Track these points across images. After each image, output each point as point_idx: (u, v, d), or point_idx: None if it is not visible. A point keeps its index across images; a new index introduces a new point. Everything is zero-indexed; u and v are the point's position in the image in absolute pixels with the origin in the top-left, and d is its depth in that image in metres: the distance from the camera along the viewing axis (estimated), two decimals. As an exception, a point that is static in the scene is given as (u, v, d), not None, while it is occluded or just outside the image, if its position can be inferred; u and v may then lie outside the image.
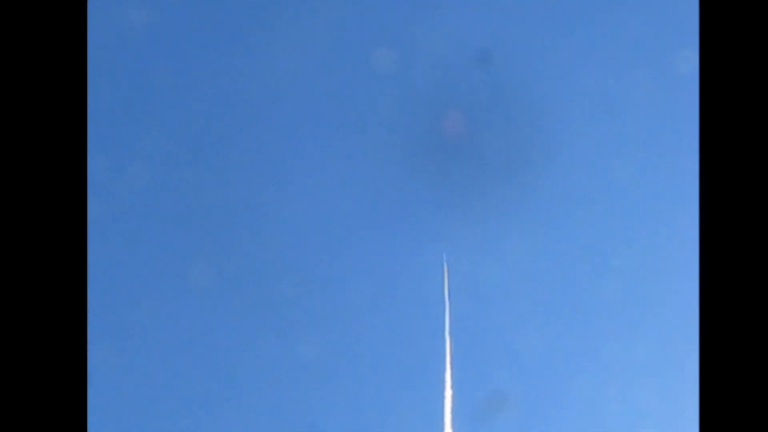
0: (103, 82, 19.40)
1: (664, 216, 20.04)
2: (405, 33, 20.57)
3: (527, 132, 20.09)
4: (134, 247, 19.77)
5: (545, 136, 20.03)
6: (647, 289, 19.80)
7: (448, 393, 18.45)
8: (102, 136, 19.41)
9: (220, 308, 19.56)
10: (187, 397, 19.34)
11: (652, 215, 20.17)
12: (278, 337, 19.46)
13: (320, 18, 20.57)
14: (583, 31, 20.66)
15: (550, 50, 20.55)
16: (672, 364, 19.12)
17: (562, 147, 20.15)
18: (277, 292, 19.71)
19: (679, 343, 18.77)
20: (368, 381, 19.51)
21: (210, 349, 19.45)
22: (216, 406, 19.36)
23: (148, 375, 19.30)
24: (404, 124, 20.17)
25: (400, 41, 20.47)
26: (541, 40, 20.62)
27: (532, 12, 20.72)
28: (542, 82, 20.40)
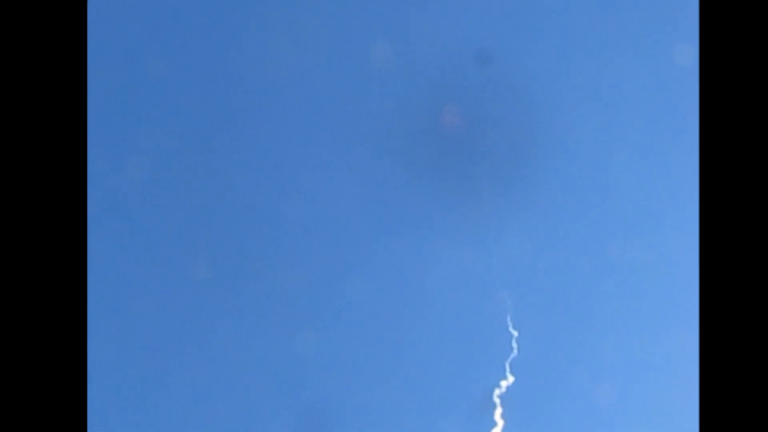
0: (103, 81, 19.41)
1: (664, 211, 20.04)
2: (404, 28, 20.59)
3: (526, 127, 20.11)
4: (133, 243, 19.79)
5: (544, 131, 20.04)
6: (647, 285, 19.81)
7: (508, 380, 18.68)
8: (102, 134, 19.43)
9: (219, 305, 19.59)
10: (186, 393, 19.38)
11: (652, 211, 20.15)
12: (277, 334, 19.50)
13: (317, 13, 20.58)
14: (582, 26, 20.67)
15: (549, 45, 20.56)
16: (672, 363, 19.14)
17: (562, 142, 20.15)
18: (276, 288, 19.74)
19: (679, 341, 18.79)
20: (369, 379, 19.55)
21: (210, 346, 19.49)
22: (215, 403, 19.40)
23: (147, 371, 19.33)
24: (402, 119, 20.19)
25: (399, 36, 20.49)
26: (539, 35, 20.62)
27: (531, 7, 20.73)
28: (541, 77, 20.40)
